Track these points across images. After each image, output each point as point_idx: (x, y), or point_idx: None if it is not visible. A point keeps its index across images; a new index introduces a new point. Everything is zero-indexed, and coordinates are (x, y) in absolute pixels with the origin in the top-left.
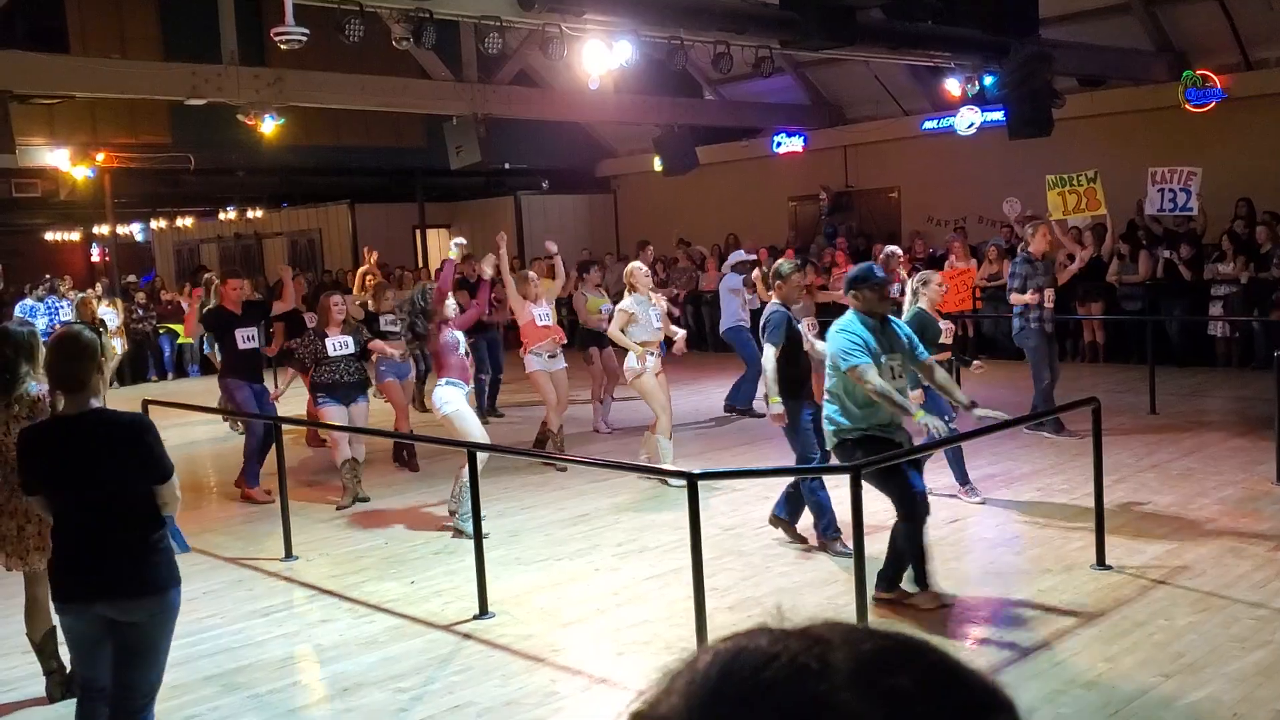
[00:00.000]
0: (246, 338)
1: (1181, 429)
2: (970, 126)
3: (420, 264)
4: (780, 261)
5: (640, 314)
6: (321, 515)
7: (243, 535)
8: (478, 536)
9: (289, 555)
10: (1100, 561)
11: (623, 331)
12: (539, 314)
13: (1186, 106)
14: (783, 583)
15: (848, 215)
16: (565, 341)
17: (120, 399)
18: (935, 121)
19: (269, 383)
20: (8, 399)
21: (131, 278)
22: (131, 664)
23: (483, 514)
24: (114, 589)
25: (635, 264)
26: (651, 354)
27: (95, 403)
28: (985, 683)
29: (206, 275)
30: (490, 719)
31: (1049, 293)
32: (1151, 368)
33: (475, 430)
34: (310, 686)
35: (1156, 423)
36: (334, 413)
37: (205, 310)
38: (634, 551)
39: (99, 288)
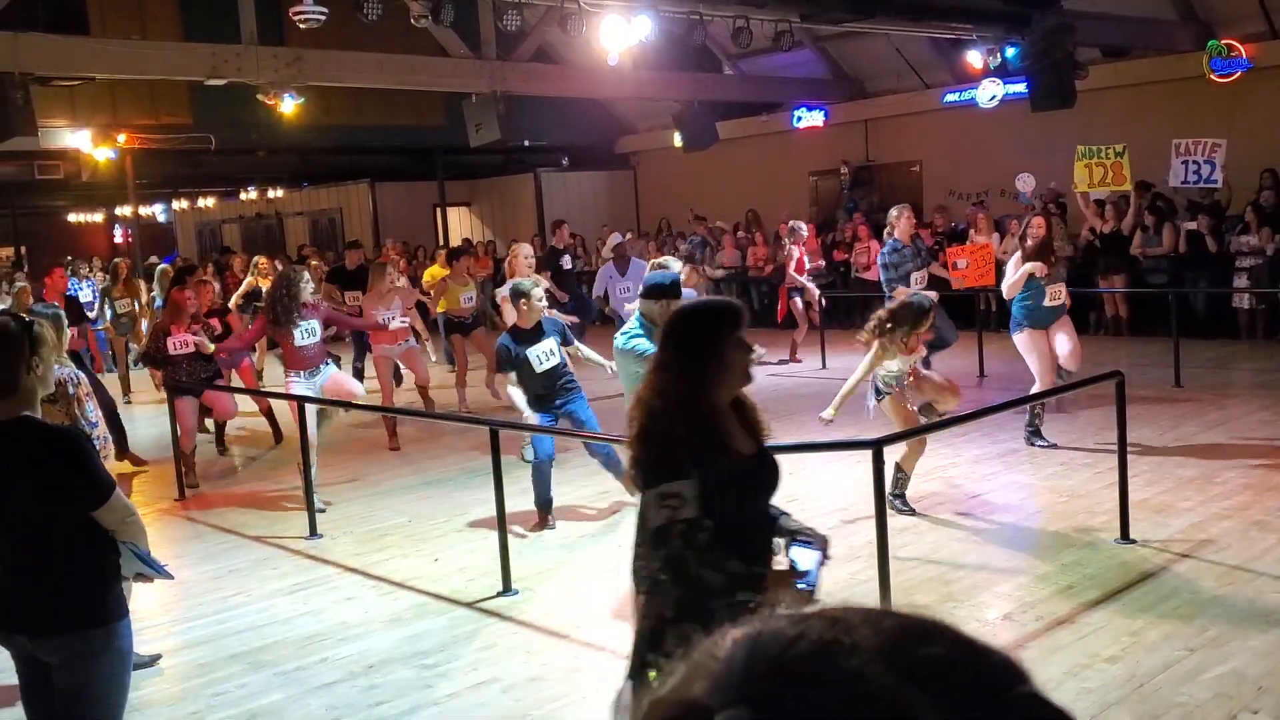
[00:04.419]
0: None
1: (1206, 402)
2: (992, 99)
3: (440, 242)
4: (519, 281)
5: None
6: (346, 494)
7: (267, 514)
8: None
9: (313, 534)
10: (1124, 535)
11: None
12: (384, 316)
13: (1211, 76)
14: None
15: (869, 190)
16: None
17: (144, 379)
18: (957, 94)
19: None
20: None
21: (154, 259)
22: (64, 712)
23: (504, 491)
24: (28, 622)
25: (520, 245)
26: None
27: (28, 411)
28: (1004, 655)
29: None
30: (514, 695)
31: (921, 274)
32: (1176, 340)
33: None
34: (335, 663)
35: (1181, 395)
36: (183, 405)
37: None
38: None
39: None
